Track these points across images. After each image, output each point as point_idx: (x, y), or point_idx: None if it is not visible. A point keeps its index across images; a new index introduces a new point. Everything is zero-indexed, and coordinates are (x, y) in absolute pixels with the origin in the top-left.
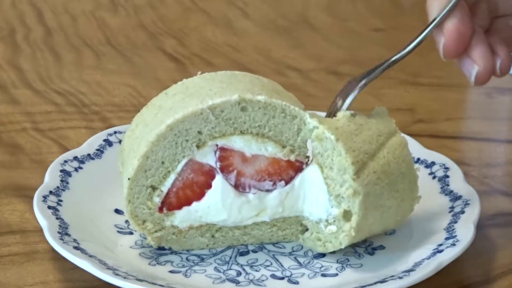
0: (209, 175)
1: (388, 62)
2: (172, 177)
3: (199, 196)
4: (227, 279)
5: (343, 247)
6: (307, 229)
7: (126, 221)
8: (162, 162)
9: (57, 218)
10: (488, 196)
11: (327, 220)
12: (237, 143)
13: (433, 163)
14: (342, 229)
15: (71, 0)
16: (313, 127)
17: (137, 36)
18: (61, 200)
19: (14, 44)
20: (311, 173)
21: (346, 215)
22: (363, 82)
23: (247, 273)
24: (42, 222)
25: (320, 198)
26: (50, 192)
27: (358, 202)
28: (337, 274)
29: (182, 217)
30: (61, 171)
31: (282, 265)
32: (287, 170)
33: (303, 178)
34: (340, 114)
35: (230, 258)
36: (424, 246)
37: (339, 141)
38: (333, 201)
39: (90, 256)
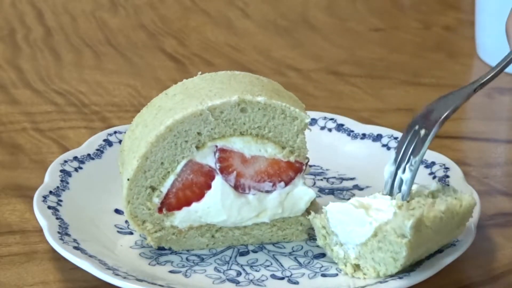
0: (209, 176)
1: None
2: (171, 178)
3: (199, 196)
4: (227, 279)
5: (340, 270)
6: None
7: (126, 221)
8: (162, 163)
9: (57, 218)
10: (488, 196)
11: (341, 243)
12: (237, 144)
13: (433, 163)
14: (346, 262)
15: (71, 0)
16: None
17: (137, 36)
18: (61, 200)
19: (14, 44)
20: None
21: (355, 266)
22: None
23: (247, 273)
24: (42, 222)
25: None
26: (50, 192)
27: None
28: (337, 274)
29: (182, 218)
30: (61, 171)
31: (282, 265)
32: (287, 171)
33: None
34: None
35: (230, 258)
36: None
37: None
38: (356, 248)
39: (90, 256)
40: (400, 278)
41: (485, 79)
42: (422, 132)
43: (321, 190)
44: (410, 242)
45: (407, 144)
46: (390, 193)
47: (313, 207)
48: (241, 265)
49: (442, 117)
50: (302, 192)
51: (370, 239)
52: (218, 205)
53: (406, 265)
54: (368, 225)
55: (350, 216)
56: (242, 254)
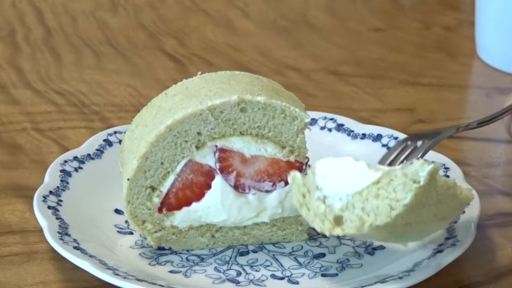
0: (209, 175)
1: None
2: (171, 178)
3: (199, 196)
4: (227, 279)
5: (310, 226)
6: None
7: (126, 221)
8: (162, 163)
9: (57, 218)
10: (488, 196)
11: (325, 197)
12: (237, 144)
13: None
14: (326, 218)
15: (71, 0)
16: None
17: (137, 36)
18: (61, 200)
19: (14, 44)
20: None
21: (337, 219)
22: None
23: (247, 273)
24: (42, 222)
25: (341, 181)
26: (50, 192)
27: (357, 233)
28: (337, 274)
29: (182, 218)
30: (61, 171)
31: (282, 265)
32: (287, 171)
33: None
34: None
35: (230, 258)
36: (424, 246)
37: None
38: (344, 198)
39: (90, 256)
40: (400, 278)
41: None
42: (419, 143)
43: None
44: (421, 189)
45: (398, 153)
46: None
47: None
48: (241, 265)
49: (444, 135)
50: None
51: (369, 187)
52: (218, 205)
53: (395, 226)
54: (372, 172)
55: (347, 168)
56: (242, 254)
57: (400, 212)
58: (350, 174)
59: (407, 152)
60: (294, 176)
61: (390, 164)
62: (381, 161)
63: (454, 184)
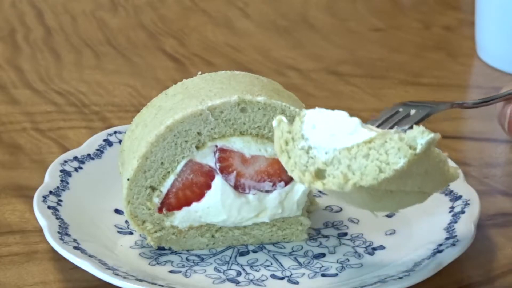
0: (209, 176)
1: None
2: (171, 178)
3: (199, 196)
4: (227, 279)
5: (289, 174)
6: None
7: (126, 221)
8: (162, 163)
9: (57, 218)
10: (488, 196)
11: (309, 148)
12: (237, 144)
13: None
14: (307, 170)
15: (71, 0)
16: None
17: (137, 36)
18: (61, 200)
19: (14, 44)
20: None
21: (319, 172)
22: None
23: (247, 273)
24: (42, 222)
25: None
26: (50, 192)
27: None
28: (337, 274)
29: (182, 218)
30: (61, 171)
31: (282, 265)
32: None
33: None
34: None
35: (230, 258)
36: (424, 246)
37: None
38: (331, 152)
39: (90, 256)
40: (400, 278)
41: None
42: (413, 111)
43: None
44: (416, 156)
45: (388, 117)
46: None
47: (313, 206)
48: (241, 265)
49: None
50: (298, 186)
51: (359, 145)
52: (218, 205)
53: (378, 190)
54: (365, 130)
55: (339, 121)
56: (242, 254)
57: (388, 176)
58: (341, 129)
59: (398, 118)
60: (279, 119)
61: (379, 127)
62: (370, 123)
63: (446, 158)
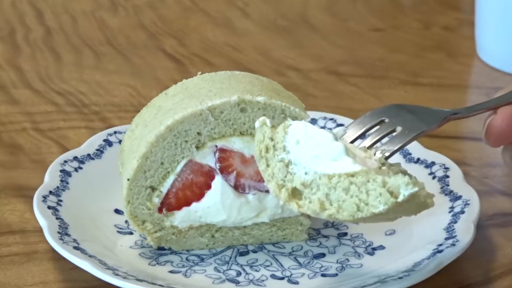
0: (209, 176)
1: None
2: (171, 178)
3: (199, 196)
4: (227, 279)
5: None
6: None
7: (126, 221)
8: (162, 163)
9: (57, 218)
10: (488, 196)
11: (289, 162)
12: (237, 144)
13: (433, 163)
14: (284, 186)
15: (71, 0)
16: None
17: (137, 36)
18: (61, 200)
19: (14, 44)
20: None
21: (295, 192)
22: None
23: (247, 273)
24: (42, 222)
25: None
26: (50, 192)
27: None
28: (337, 274)
29: (182, 218)
30: (61, 171)
31: (282, 265)
32: None
33: None
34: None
35: (230, 258)
36: (424, 246)
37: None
38: (311, 174)
39: (90, 256)
40: (400, 278)
41: (462, 114)
42: (399, 129)
43: None
44: (396, 204)
45: (370, 127)
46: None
47: None
48: (241, 265)
49: (424, 130)
50: None
51: (341, 175)
52: (218, 205)
53: (355, 221)
54: (349, 161)
55: (324, 143)
56: (242, 254)
57: (365, 216)
58: (324, 152)
59: (382, 133)
60: (263, 121)
61: (359, 137)
62: (351, 126)
63: (422, 190)
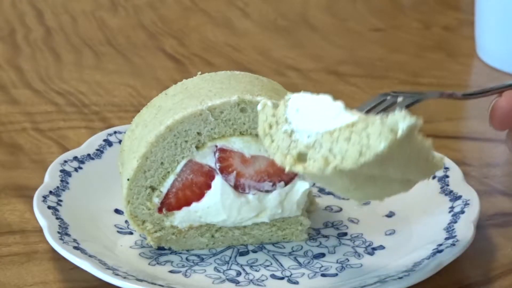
0: (209, 176)
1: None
2: (171, 178)
3: (199, 196)
4: (227, 279)
5: (267, 151)
6: None
7: (126, 221)
8: (162, 163)
9: (57, 218)
10: (487, 196)
11: (292, 132)
12: (237, 144)
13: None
14: (289, 153)
15: (71, 0)
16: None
17: (137, 36)
18: (61, 200)
19: (14, 44)
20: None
21: (300, 156)
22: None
23: (247, 273)
24: (42, 222)
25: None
26: (50, 192)
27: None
28: (337, 274)
29: (182, 218)
30: (61, 171)
31: (282, 265)
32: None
33: None
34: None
35: (230, 258)
36: (424, 246)
37: None
38: (313, 136)
39: (90, 256)
40: (400, 278)
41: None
42: (400, 99)
43: (321, 190)
44: (396, 141)
45: (375, 105)
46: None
47: (313, 206)
48: (241, 265)
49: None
50: (298, 186)
51: (341, 128)
52: (218, 205)
53: (359, 175)
54: (348, 114)
55: (323, 106)
56: (242, 254)
57: (368, 160)
58: (324, 113)
59: (385, 105)
60: (264, 103)
61: (368, 111)
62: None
63: (430, 147)
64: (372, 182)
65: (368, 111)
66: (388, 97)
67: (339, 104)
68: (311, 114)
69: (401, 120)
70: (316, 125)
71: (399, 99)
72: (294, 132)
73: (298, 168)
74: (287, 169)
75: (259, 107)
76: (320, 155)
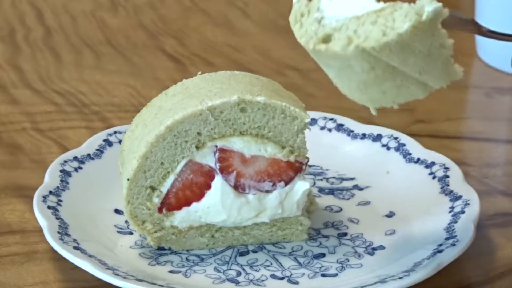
0: (209, 176)
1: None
2: (171, 178)
3: (199, 196)
4: (227, 279)
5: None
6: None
7: (126, 221)
8: (162, 163)
9: (57, 218)
10: (487, 196)
11: (322, 18)
12: (237, 144)
13: (433, 163)
14: (316, 35)
15: (71, 0)
16: None
17: (137, 36)
18: (61, 200)
19: (14, 44)
20: None
21: (326, 38)
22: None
23: (247, 273)
24: (42, 222)
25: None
26: (50, 192)
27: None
28: (337, 274)
29: (182, 218)
30: (61, 171)
31: (282, 265)
32: (287, 171)
33: None
34: None
35: (230, 258)
36: (424, 246)
37: None
38: (341, 21)
39: (90, 256)
40: (400, 278)
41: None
42: None
43: (321, 190)
44: (420, 24)
45: None
46: None
47: (313, 206)
48: (241, 265)
49: None
50: (298, 186)
51: (369, 13)
52: (218, 205)
53: (379, 61)
54: (381, 3)
55: None
56: (242, 254)
57: (391, 39)
58: (356, 2)
59: None
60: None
61: None
62: None
63: (450, 46)
64: (390, 75)
65: None
66: None
67: None
68: (343, 3)
69: (427, 4)
70: (346, 11)
71: None
72: (323, 19)
73: (321, 47)
74: (310, 47)
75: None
76: (345, 35)
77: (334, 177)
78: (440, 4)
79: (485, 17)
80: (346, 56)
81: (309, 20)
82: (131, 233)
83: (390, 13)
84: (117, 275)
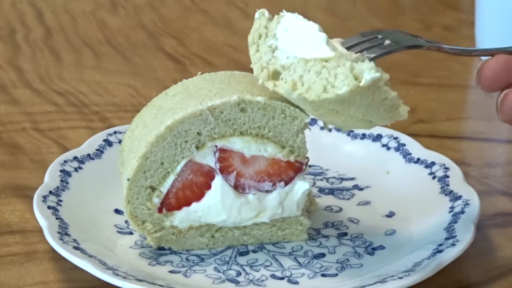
0: (209, 176)
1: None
2: (171, 178)
3: (199, 196)
4: (227, 279)
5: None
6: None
7: (126, 221)
8: (162, 163)
9: (57, 218)
10: (487, 196)
11: (276, 48)
12: (237, 144)
13: (433, 163)
14: (267, 68)
15: (71, 0)
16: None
17: (137, 36)
18: (61, 200)
19: (14, 44)
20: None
21: (275, 73)
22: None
23: (247, 273)
24: (42, 222)
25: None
26: (50, 192)
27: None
28: (337, 274)
29: (182, 218)
30: (61, 171)
31: (282, 265)
32: (287, 171)
33: None
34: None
35: (230, 258)
36: (424, 246)
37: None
38: (291, 58)
39: (90, 256)
40: (400, 278)
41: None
42: (387, 42)
43: (321, 190)
44: (358, 88)
45: (365, 40)
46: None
47: (313, 206)
48: (241, 265)
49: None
50: (298, 186)
51: (316, 60)
52: (218, 205)
53: (322, 107)
54: (327, 48)
55: (308, 32)
56: (242, 254)
57: (329, 97)
58: (307, 40)
59: (372, 44)
60: (262, 12)
61: (353, 46)
62: (347, 41)
63: (395, 98)
64: (334, 114)
65: (350, 47)
66: (380, 36)
67: (323, 36)
68: (296, 37)
69: (367, 71)
70: (297, 49)
71: (387, 42)
72: (277, 49)
73: (269, 85)
74: (259, 81)
75: (256, 15)
76: (291, 78)
77: (334, 177)
78: (378, 74)
79: (485, 17)
80: (291, 98)
81: (264, 46)
82: (131, 233)
83: (333, 67)
84: (117, 275)
